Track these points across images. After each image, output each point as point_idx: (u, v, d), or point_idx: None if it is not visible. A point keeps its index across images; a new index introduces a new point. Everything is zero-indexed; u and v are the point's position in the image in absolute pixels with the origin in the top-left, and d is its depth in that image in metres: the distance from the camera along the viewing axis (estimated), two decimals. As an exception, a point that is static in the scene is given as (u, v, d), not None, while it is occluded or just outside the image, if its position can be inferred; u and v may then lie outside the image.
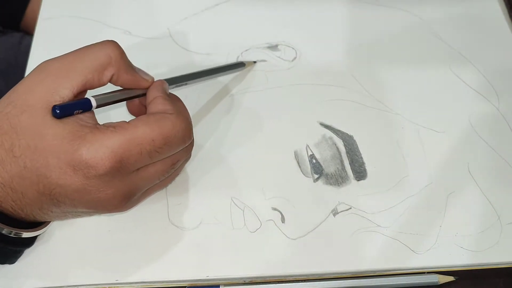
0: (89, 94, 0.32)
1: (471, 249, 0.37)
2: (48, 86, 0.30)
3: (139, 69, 0.35)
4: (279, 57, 0.46)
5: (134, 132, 0.30)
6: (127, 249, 0.36)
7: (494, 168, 0.41)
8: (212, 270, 0.36)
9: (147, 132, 0.31)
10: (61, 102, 0.30)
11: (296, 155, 0.41)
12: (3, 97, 0.32)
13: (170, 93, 0.36)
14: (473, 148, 0.42)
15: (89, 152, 0.29)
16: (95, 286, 0.35)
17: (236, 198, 0.38)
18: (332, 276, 0.36)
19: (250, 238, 0.37)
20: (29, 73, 0.32)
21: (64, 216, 0.33)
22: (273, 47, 0.47)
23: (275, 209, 0.38)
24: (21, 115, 0.30)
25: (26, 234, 0.33)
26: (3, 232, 0.31)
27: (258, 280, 0.36)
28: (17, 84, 0.32)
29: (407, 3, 0.50)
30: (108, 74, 0.32)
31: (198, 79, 0.40)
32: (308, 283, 0.36)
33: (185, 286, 0.36)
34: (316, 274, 0.36)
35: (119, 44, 0.33)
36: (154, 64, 0.45)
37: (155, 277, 0.35)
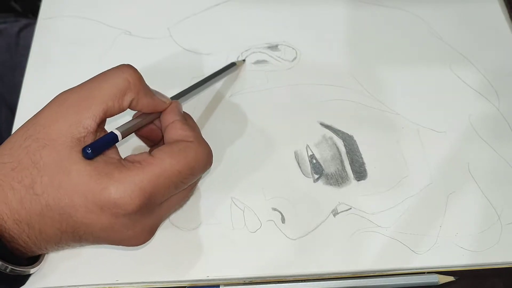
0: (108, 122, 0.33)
1: (471, 249, 0.37)
2: (70, 118, 0.29)
3: (156, 91, 0.34)
4: (279, 57, 0.46)
5: (161, 166, 0.30)
6: (127, 249, 0.36)
7: (494, 168, 0.41)
8: (212, 270, 0.36)
9: (173, 164, 0.30)
10: (84, 134, 0.29)
11: (296, 155, 0.41)
12: (19, 129, 0.31)
13: (184, 112, 0.35)
14: (473, 148, 0.42)
15: (118, 191, 0.28)
16: (95, 286, 0.35)
17: (236, 199, 0.38)
18: (332, 276, 0.36)
19: (250, 238, 0.37)
20: (47, 105, 0.31)
21: (81, 246, 0.33)
22: (273, 47, 0.47)
23: (275, 209, 0.38)
24: (42, 150, 0.29)
25: (30, 270, 0.32)
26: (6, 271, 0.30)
27: (258, 280, 0.36)
28: (34, 116, 0.31)
29: (407, 3, 0.50)
30: (128, 99, 0.31)
31: (199, 89, 0.40)
32: (308, 283, 0.36)
33: (185, 286, 0.36)
34: (316, 274, 0.36)
35: (136, 68, 0.32)
36: (154, 64, 0.45)
37: (155, 277, 0.35)
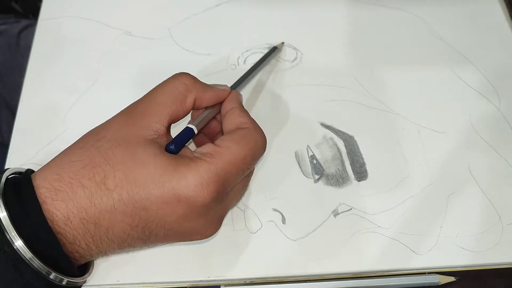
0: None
1: (472, 250, 0.37)
2: (140, 123, 0.31)
3: (214, 84, 0.35)
4: (279, 57, 0.46)
5: (230, 153, 0.31)
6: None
7: (495, 169, 0.41)
8: (213, 271, 0.36)
9: (239, 150, 0.31)
10: (156, 136, 0.31)
11: (297, 156, 0.41)
12: (89, 132, 0.32)
13: (238, 96, 0.37)
14: (474, 149, 0.42)
15: (195, 180, 0.29)
16: (96, 287, 0.35)
17: (237, 199, 0.38)
18: (333, 277, 0.36)
19: (251, 239, 0.37)
20: (117, 114, 0.33)
21: (144, 246, 0.33)
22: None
23: (276, 210, 0.38)
24: (115, 148, 0.29)
25: (81, 281, 0.32)
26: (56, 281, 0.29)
27: (259, 281, 0.36)
28: (104, 123, 0.32)
29: (408, 3, 0.50)
30: (190, 100, 0.33)
31: (249, 77, 0.41)
32: (308, 283, 0.36)
33: (186, 287, 0.36)
34: (317, 275, 0.36)
35: (190, 73, 0.34)
36: (155, 64, 0.45)
37: (156, 277, 0.35)
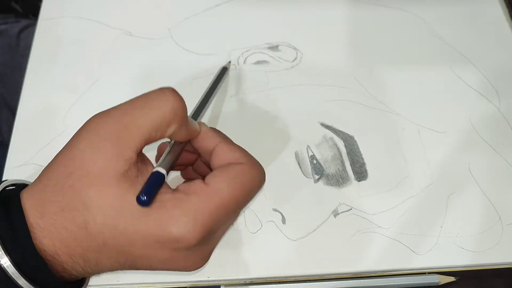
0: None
1: (472, 250, 0.37)
2: (110, 151, 0.27)
3: (191, 119, 0.32)
4: (279, 57, 0.46)
5: (220, 195, 0.28)
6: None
7: (495, 169, 0.41)
8: (213, 271, 0.36)
9: (231, 192, 0.28)
10: (127, 168, 0.27)
11: (297, 156, 0.41)
12: (57, 163, 0.28)
13: (215, 129, 0.33)
14: (474, 149, 0.42)
15: (178, 228, 0.27)
16: (96, 287, 0.35)
17: (237, 199, 0.38)
18: (333, 277, 0.36)
19: (251, 239, 0.37)
20: (81, 134, 0.28)
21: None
22: (274, 48, 0.47)
23: (275, 210, 0.38)
24: (89, 190, 0.27)
25: None
26: None
27: (259, 281, 0.36)
28: (69, 148, 0.28)
29: (408, 3, 0.50)
30: (171, 131, 0.29)
31: (208, 102, 0.38)
32: (309, 283, 0.36)
33: (186, 287, 0.36)
34: (317, 275, 0.36)
35: (179, 94, 0.29)
36: (155, 64, 0.45)
37: (156, 278, 0.35)
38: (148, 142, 0.28)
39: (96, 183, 0.27)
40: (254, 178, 0.30)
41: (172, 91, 0.29)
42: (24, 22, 0.55)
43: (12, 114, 0.43)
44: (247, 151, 0.31)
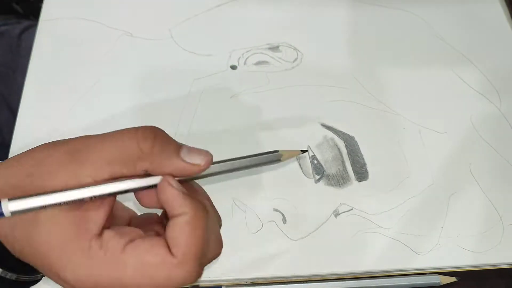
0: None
1: (473, 250, 0.37)
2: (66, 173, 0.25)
3: (190, 149, 0.27)
4: (280, 58, 0.46)
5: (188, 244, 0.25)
6: None
7: (496, 169, 0.41)
8: (214, 271, 0.35)
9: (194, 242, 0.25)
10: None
11: (298, 156, 0.41)
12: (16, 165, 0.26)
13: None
14: (474, 149, 0.42)
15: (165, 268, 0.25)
16: None
17: (238, 199, 0.38)
18: (333, 277, 0.36)
19: (251, 239, 0.37)
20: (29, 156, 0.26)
21: None
22: (274, 48, 0.47)
23: (276, 210, 0.38)
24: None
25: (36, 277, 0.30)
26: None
27: (260, 281, 0.36)
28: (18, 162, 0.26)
29: (408, 3, 0.50)
30: (141, 168, 0.26)
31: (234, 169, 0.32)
32: (309, 284, 0.36)
33: (187, 287, 0.36)
34: (318, 275, 0.36)
35: (155, 128, 0.26)
36: (155, 65, 0.45)
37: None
38: (116, 176, 0.26)
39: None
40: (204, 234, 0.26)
41: (143, 127, 0.26)
42: (25, 23, 0.55)
43: (13, 115, 0.43)
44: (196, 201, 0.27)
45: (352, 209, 0.38)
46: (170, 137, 0.27)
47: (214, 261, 0.29)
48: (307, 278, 0.36)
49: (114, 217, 0.28)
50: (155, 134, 0.26)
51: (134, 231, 0.27)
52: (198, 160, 0.27)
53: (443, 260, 0.37)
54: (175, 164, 0.27)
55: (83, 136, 0.27)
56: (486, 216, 0.39)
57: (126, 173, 0.26)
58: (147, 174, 0.27)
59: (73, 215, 0.25)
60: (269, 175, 0.40)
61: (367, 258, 0.36)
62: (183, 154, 0.27)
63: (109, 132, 0.26)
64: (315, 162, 0.41)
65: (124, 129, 0.26)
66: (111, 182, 0.25)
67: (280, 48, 0.47)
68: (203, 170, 0.27)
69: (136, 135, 0.26)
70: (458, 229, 0.38)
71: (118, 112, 0.42)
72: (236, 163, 0.31)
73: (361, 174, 0.40)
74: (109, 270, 0.25)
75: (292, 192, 0.39)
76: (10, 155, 0.40)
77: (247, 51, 0.46)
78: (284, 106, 0.43)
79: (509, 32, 0.49)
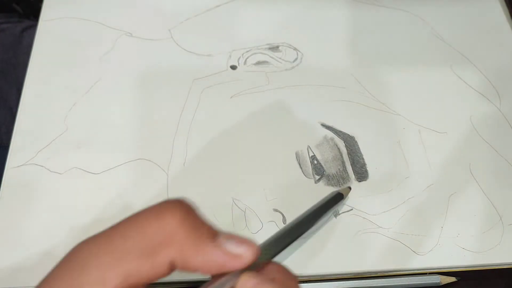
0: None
1: (473, 250, 0.37)
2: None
3: (230, 236, 0.22)
4: (280, 58, 0.46)
5: None
6: None
7: (496, 169, 0.41)
8: (214, 272, 0.35)
9: None
10: None
11: (298, 156, 0.41)
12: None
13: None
14: (474, 149, 0.42)
15: None
16: None
17: (238, 200, 0.38)
18: (333, 277, 0.36)
19: (251, 239, 0.37)
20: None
21: None
22: (274, 48, 0.47)
23: (276, 210, 0.38)
24: None
25: None
26: None
27: (260, 282, 0.36)
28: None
29: (408, 3, 0.50)
30: (165, 259, 0.20)
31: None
32: (309, 284, 0.36)
33: (187, 287, 0.36)
34: (318, 275, 0.36)
35: (187, 204, 0.22)
36: (155, 65, 0.45)
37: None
38: (130, 280, 0.20)
39: None
40: None
41: (175, 201, 0.21)
42: (26, 22, 0.55)
43: (11, 115, 0.43)
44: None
45: (352, 209, 0.38)
46: (202, 218, 0.22)
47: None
48: (307, 278, 0.36)
49: None
50: (189, 212, 0.21)
51: None
52: (241, 249, 0.22)
53: (443, 260, 0.37)
54: (210, 252, 0.21)
55: (108, 233, 0.22)
56: (486, 216, 0.39)
57: (144, 270, 0.20)
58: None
59: None
60: (269, 175, 0.40)
61: (367, 258, 0.36)
62: (225, 238, 0.22)
63: (137, 215, 0.21)
64: (315, 162, 0.41)
65: (151, 209, 0.21)
66: None
67: (280, 48, 0.47)
68: (247, 263, 0.22)
69: (164, 212, 0.21)
70: (458, 229, 0.38)
71: (118, 112, 0.42)
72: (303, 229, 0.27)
73: (361, 174, 0.40)
74: None
75: (292, 192, 0.39)
76: (9, 155, 0.40)
77: (247, 51, 0.46)
78: (284, 106, 0.43)
79: (509, 31, 0.49)
